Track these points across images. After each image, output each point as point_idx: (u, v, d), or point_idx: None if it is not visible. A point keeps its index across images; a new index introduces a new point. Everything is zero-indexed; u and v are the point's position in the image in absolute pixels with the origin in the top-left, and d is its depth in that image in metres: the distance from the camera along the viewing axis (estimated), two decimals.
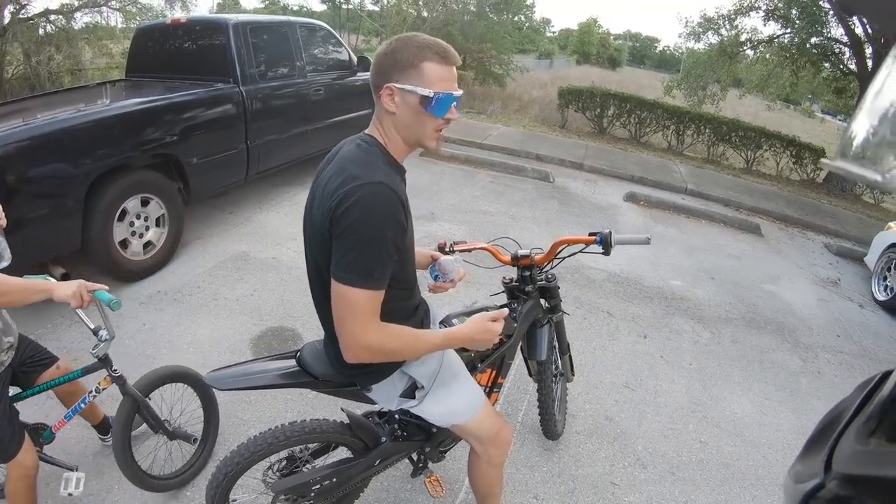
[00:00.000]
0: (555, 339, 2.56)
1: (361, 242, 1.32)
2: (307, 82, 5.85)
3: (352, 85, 6.64)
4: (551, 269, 2.33)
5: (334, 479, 1.85)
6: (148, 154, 4.09)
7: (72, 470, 2.16)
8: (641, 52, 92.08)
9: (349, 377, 1.67)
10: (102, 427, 2.53)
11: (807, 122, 23.28)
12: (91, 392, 2.15)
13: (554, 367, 2.70)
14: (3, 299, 1.84)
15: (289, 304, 3.92)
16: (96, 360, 2.07)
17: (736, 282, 5.54)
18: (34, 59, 10.45)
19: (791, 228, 8.02)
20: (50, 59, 10.59)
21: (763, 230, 7.47)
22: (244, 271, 4.33)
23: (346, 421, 1.87)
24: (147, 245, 4.14)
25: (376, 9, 24.46)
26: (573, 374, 2.90)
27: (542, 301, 2.37)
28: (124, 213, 3.90)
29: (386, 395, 1.73)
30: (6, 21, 10.12)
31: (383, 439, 1.93)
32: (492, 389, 2.23)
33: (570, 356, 2.77)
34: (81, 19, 12.00)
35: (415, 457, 2.16)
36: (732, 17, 13.06)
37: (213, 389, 2.34)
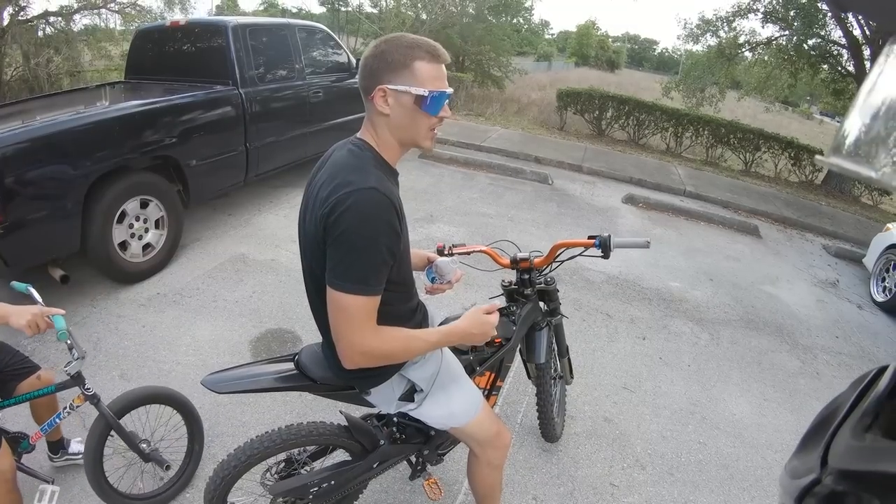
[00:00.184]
0: (554, 341, 2.56)
1: (355, 249, 1.31)
2: (306, 85, 5.86)
3: (351, 87, 6.64)
4: (550, 272, 2.33)
5: (332, 482, 1.85)
6: (147, 156, 4.10)
7: (48, 483, 2.13)
8: (640, 54, 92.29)
9: (347, 381, 1.67)
10: (55, 445, 2.43)
11: (805, 124, 23.33)
12: (66, 408, 2.10)
13: (553, 369, 2.71)
14: None
15: (288, 307, 3.92)
16: (68, 377, 2.01)
17: (735, 283, 5.54)
18: (33, 61, 10.43)
19: (790, 230, 8.03)
20: (49, 61, 10.58)
21: (762, 232, 7.48)
22: (243, 273, 4.34)
23: (345, 424, 1.86)
24: (146, 247, 4.14)
25: (375, 11, 24.46)
26: (572, 377, 2.90)
27: (541, 304, 2.37)
28: (123, 214, 3.90)
29: (384, 399, 1.73)
30: (5, 23, 10.12)
31: (382, 442, 1.92)
32: (490, 392, 2.23)
33: (568, 359, 2.76)
34: (80, 21, 12.01)
35: (413, 459, 2.15)
36: (731, 18, 13.09)
37: (197, 409, 2.34)
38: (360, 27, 24.47)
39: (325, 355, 1.67)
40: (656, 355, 3.98)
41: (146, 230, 4.13)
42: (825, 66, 12.57)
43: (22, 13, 10.50)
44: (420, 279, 1.90)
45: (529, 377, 2.60)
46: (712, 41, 13.83)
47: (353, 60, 6.88)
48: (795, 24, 11.84)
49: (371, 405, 1.79)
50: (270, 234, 5.10)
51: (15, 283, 2.04)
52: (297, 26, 6.06)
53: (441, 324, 1.89)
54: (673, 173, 9.80)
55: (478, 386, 2.06)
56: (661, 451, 3.05)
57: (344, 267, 1.32)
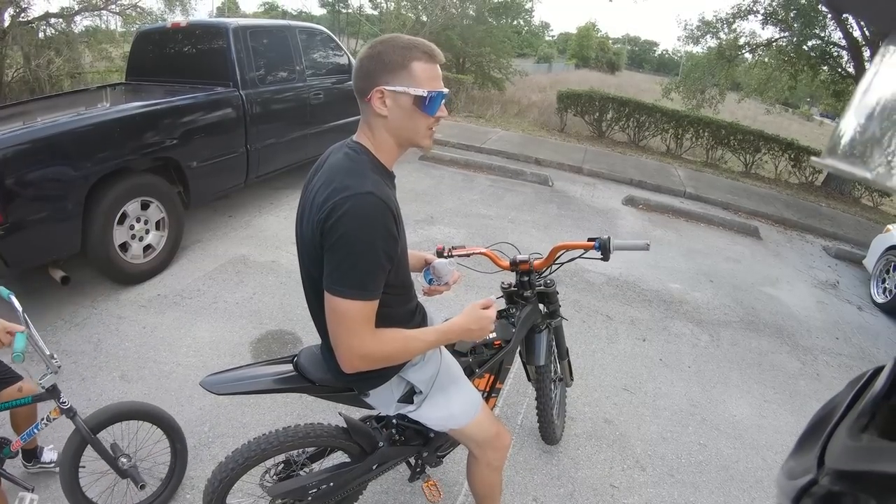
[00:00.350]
0: (553, 344, 2.56)
1: (352, 254, 1.31)
2: (307, 86, 5.87)
3: (351, 89, 6.64)
4: (550, 274, 2.34)
5: (331, 484, 1.85)
6: (148, 158, 4.11)
7: (28, 490, 2.12)
8: (640, 55, 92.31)
9: (346, 382, 1.66)
10: (29, 454, 2.39)
11: (805, 126, 23.34)
12: (42, 420, 2.07)
13: (553, 372, 2.71)
14: None
15: (288, 308, 3.92)
16: (43, 390, 1.96)
17: (735, 285, 5.54)
18: (34, 63, 10.44)
19: (790, 231, 8.03)
20: (50, 63, 10.60)
21: (762, 233, 7.48)
22: (244, 275, 4.34)
23: (344, 425, 1.86)
24: (147, 248, 4.14)
25: (375, 13, 24.51)
26: (572, 379, 2.90)
27: (541, 306, 2.38)
28: (124, 216, 3.91)
29: (384, 401, 1.73)
30: (6, 24, 10.13)
31: (381, 444, 1.92)
32: (490, 394, 2.23)
33: (568, 361, 2.76)
34: (81, 23, 12.03)
35: (412, 461, 2.15)
36: (731, 20, 13.10)
37: (180, 428, 2.30)
38: (361, 29, 24.50)
39: (324, 357, 1.67)
40: (656, 357, 3.98)
41: (147, 231, 4.13)
42: (825, 68, 12.58)
43: (23, 15, 10.51)
44: (418, 281, 1.90)
45: (529, 379, 2.60)
46: (712, 43, 13.87)
47: (354, 62, 6.88)
48: (795, 25, 11.85)
49: (370, 407, 1.79)
50: (271, 235, 5.10)
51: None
52: (298, 28, 6.06)
53: None
54: (673, 175, 9.80)
55: (477, 388, 2.06)
56: (661, 453, 3.05)
57: (341, 272, 1.32)
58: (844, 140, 0.56)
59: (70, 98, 5.14)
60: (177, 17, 12.30)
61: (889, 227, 6.14)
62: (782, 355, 4.31)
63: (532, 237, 5.86)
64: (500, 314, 2.21)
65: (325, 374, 1.67)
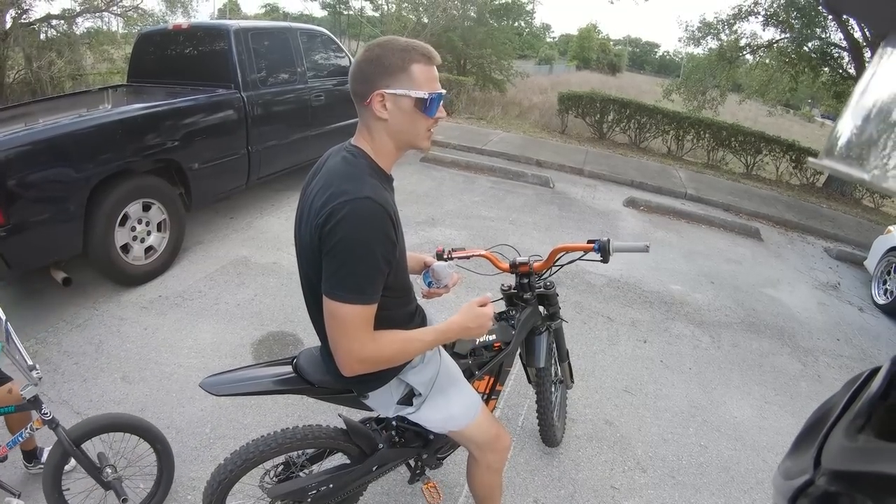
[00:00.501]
0: (554, 346, 2.56)
1: (351, 259, 1.31)
2: (308, 88, 5.88)
3: None
4: (550, 276, 2.34)
5: (331, 485, 1.85)
6: (150, 159, 4.11)
7: (14, 495, 2.10)
8: (641, 57, 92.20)
9: (346, 384, 1.66)
10: (30, 455, 2.39)
11: (806, 127, 23.31)
12: (26, 429, 2.05)
13: (553, 374, 2.71)
14: None
15: (289, 309, 3.92)
16: (25, 401, 1.94)
17: (736, 286, 5.54)
18: (36, 64, 10.48)
19: (791, 233, 8.03)
20: (51, 64, 10.63)
21: (763, 234, 7.47)
22: (245, 276, 4.35)
23: (343, 427, 1.86)
24: (148, 250, 4.15)
25: (376, 15, 24.51)
26: (572, 381, 2.90)
27: (541, 308, 2.38)
28: (126, 217, 3.92)
29: (383, 403, 1.73)
30: (8, 26, 10.16)
31: (381, 445, 1.92)
32: (490, 396, 2.23)
33: (569, 363, 2.76)
34: (83, 24, 12.08)
35: (412, 463, 2.15)
36: (731, 21, 13.08)
37: (166, 440, 2.26)
38: (362, 31, 24.50)
39: (324, 359, 1.67)
40: (657, 358, 3.98)
41: (148, 233, 4.14)
42: (826, 69, 12.58)
43: (24, 16, 10.55)
44: (417, 283, 1.90)
45: (530, 381, 2.60)
46: (713, 44, 13.84)
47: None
48: (796, 24, 11.84)
49: (369, 409, 1.79)
50: (272, 237, 5.11)
51: None
52: (299, 30, 6.07)
53: None
54: (674, 176, 9.80)
55: (477, 390, 2.06)
56: (662, 454, 3.05)
57: (340, 277, 1.32)
58: (841, 141, 0.57)
59: (71, 100, 5.15)
60: (178, 19, 12.32)
61: (890, 228, 6.13)
62: (783, 357, 4.31)
63: (533, 239, 5.86)
64: (500, 316, 2.22)
65: (324, 376, 1.67)
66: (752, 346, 4.39)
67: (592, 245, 2.12)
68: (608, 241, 2.10)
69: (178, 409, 2.91)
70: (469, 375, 2.00)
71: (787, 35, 12.33)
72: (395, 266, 1.43)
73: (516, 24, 21.93)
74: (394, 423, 1.96)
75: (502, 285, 2.32)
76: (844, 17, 9.47)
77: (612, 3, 15.80)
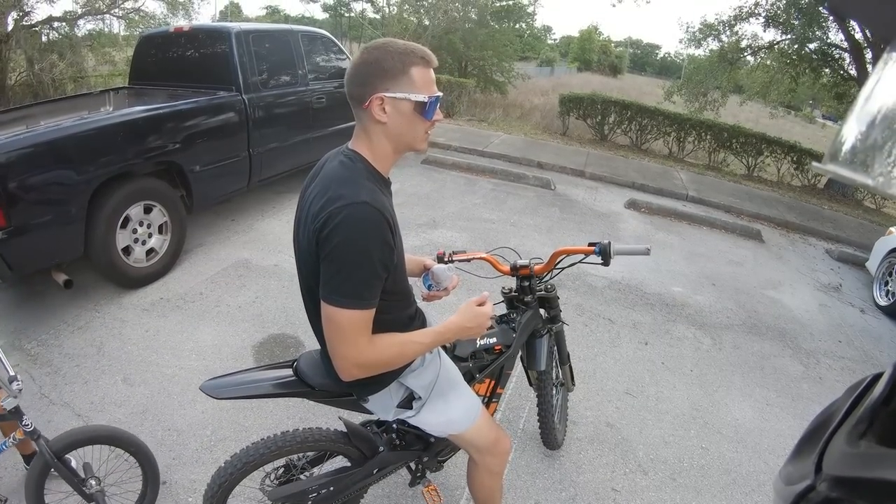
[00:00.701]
0: (554, 349, 2.56)
1: (348, 264, 1.31)
2: (309, 90, 5.88)
3: None
4: (551, 279, 2.33)
5: (331, 488, 1.84)
6: (151, 162, 4.12)
7: (1, 501, 2.11)
8: (642, 58, 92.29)
9: (346, 388, 1.65)
10: (29, 458, 2.37)
11: (808, 128, 23.27)
12: (8, 439, 2.03)
13: (554, 376, 2.70)
14: None
15: (290, 312, 3.92)
16: (6, 412, 1.92)
17: (737, 288, 5.54)
18: (37, 66, 10.50)
19: (792, 234, 8.02)
20: (53, 67, 10.65)
21: (764, 236, 7.47)
22: (246, 278, 4.35)
23: (344, 430, 1.86)
24: (150, 252, 4.16)
25: (377, 17, 24.55)
26: (574, 384, 2.89)
27: (542, 311, 2.37)
28: (127, 220, 3.92)
29: (383, 406, 1.72)
30: (9, 28, 10.19)
31: (381, 448, 1.92)
32: (490, 399, 2.22)
33: (570, 366, 2.76)
34: (84, 27, 12.09)
35: (413, 466, 2.15)
36: (732, 22, 13.09)
37: (150, 452, 2.24)
38: (363, 33, 24.54)
39: (324, 362, 1.66)
40: (658, 360, 3.97)
41: (149, 235, 4.15)
42: (827, 70, 12.57)
43: (26, 18, 10.58)
44: (417, 286, 1.90)
45: (531, 384, 2.59)
46: (714, 45, 13.85)
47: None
48: (796, 24, 11.83)
49: (369, 412, 1.78)
50: (273, 239, 5.11)
51: None
52: (300, 32, 6.08)
53: None
54: (675, 178, 9.80)
55: (478, 393, 2.06)
56: (663, 457, 3.04)
57: (337, 282, 1.32)
58: (846, 147, 0.57)
59: (73, 102, 5.17)
60: (180, 22, 12.34)
61: (892, 229, 6.13)
62: (785, 358, 4.30)
63: (534, 241, 5.86)
64: (501, 319, 2.21)
65: (324, 379, 1.66)
66: (753, 347, 4.38)
67: (593, 248, 2.11)
68: (609, 243, 2.09)
69: (179, 412, 2.91)
70: (469, 378, 1.99)
71: (788, 36, 12.33)
72: (394, 270, 1.42)
73: (517, 26, 21.92)
74: (394, 426, 1.95)
75: (503, 288, 2.32)
76: (847, 19, 9.47)
77: (613, 5, 15.81)
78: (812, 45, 12.04)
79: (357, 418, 1.99)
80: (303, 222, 1.43)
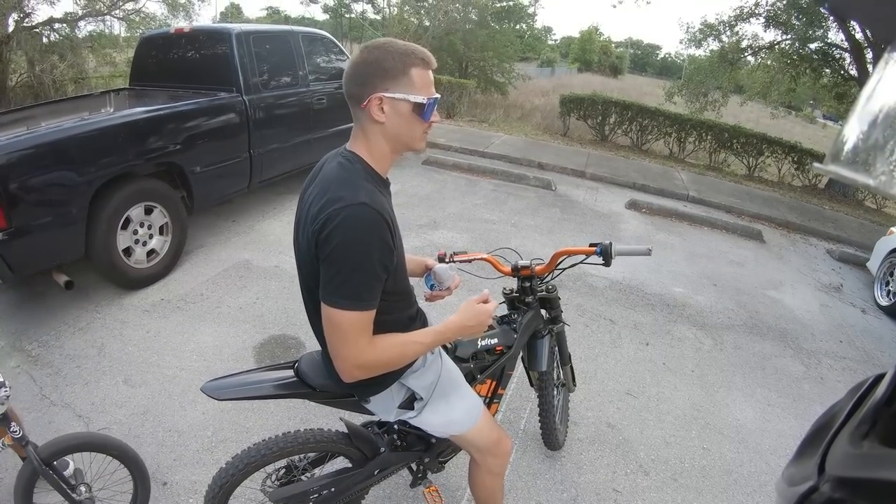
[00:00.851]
0: (556, 349, 2.56)
1: (347, 266, 1.30)
2: (310, 91, 5.89)
3: None
4: (552, 279, 2.33)
5: (333, 489, 1.84)
6: (152, 163, 4.12)
7: None
8: (643, 59, 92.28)
9: (347, 389, 1.65)
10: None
11: (808, 128, 23.26)
12: None
13: (555, 377, 2.70)
14: None
15: (291, 313, 3.92)
16: None
17: (738, 288, 5.53)
18: (38, 68, 10.50)
19: (793, 234, 8.02)
20: (54, 68, 10.64)
21: (765, 236, 7.47)
22: (247, 279, 4.35)
23: (345, 431, 1.86)
24: (150, 253, 4.16)
25: (378, 18, 24.58)
26: (575, 385, 2.89)
27: (543, 311, 2.37)
28: (128, 221, 3.92)
29: (384, 407, 1.72)
30: (10, 29, 10.19)
31: (382, 449, 1.92)
32: (492, 400, 2.22)
33: (571, 367, 2.76)
34: (85, 28, 12.07)
35: (414, 467, 2.15)
36: (733, 23, 13.09)
37: (141, 460, 2.21)
38: (364, 34, 24.55)
39: (325, 363, 1.66)
40: (660, 361, 3.97)
41: (150, 236, 4.15)
42: (827, 70, 12.56)
43: (27, 20, 10.58)
44: (420, 287, 1.90)
45: (532, 385, 2.59)
46: (714, 46, 13.85)
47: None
48: (797, 24, 11.82)
49: (371, 413, 1.78)
50: (274, 240, 5.11)
51: None
52: (301, 33, 6.09)
53: None
54: (676, 178, 9.80)
55: (479, 394, 2.06)
56: (664, 457, 3.04)
57: (337, 283, 1.32)
58: (847, 147, 0.56)
59: (74, 103, 5.17)
60: (180, 23, 12.34)
61: (893, 229, 6.12)
62: (786, 359, 4.30)
63: (535, 241, 5.85)
64: (502, 320, 2.21)
65: (325, 380, 1.66)
66: (754, 348, 4.38)
67: (594, 249, 2.11)
68: (610, 244, 2.09)
69: (181, 413, 2.91)
70: (471, 379, 1.99)
71: (789, 36, 12.33)
72: (394, 271, 1.42)
73: (518, 26, 21.96)
74: (395, 427, 1.95)
75: (504, 289, 2.32)
76: (848, 19, 9.47)
77: (614, 6, 15.83)
78: (813, 46, 12.04)
79: (358, 419, 1.99)
80: (302, 224, 1.43)
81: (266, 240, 5.11)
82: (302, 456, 1.86)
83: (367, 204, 1.30)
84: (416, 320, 1.69)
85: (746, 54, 13.53)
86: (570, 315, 4.27)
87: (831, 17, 11.14)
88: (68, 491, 2.02)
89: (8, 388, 1.86)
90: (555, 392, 2.68)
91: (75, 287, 3.67)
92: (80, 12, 11.33)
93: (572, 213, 7.14)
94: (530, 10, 21.86)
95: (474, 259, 2.25)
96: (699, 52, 14.92)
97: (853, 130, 0.56)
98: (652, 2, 16.09)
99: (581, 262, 2.22)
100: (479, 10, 18.38)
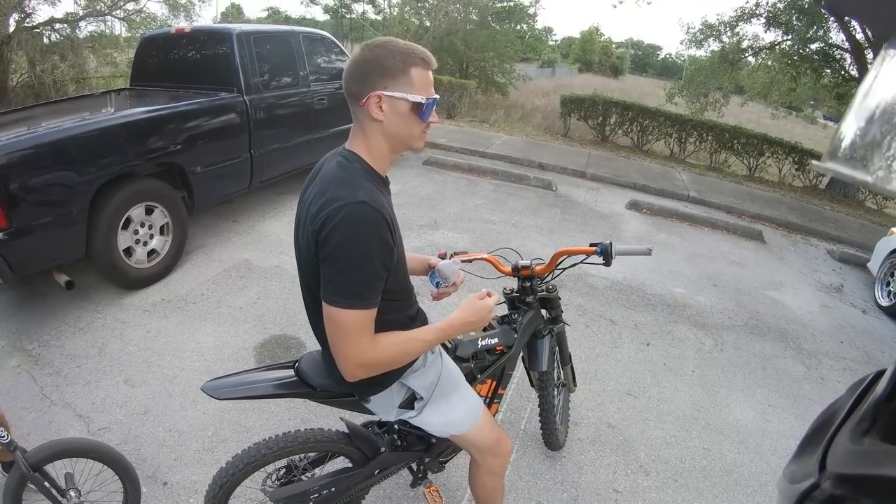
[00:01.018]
0: (556, 349, 2.55)
1: (348, 265, 1.30)
2: (310, 91, 5.89)
3: None
4: (552, 279, 2.33)
5: (333, 489, 1.84)
6: (152, 163, 4.12)
7: None
8: (643, 59, 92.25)
9: (347, 388, 1.65)
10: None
11: (809, 129, 23.25)
12: None
13: (556, 377, 2.70)
14: None
15: (292, 313, 3.92)
16: None
17: (739, 289, 5.53)
18: (39, 68, 10.51)
19: (794, 235, 8.01)
20: (54, 68, 10.65)
21: (766, 237, 7.46)
22: (248, 279, 4.35)
23: (345, 430, 1.86)
24: (151, 253, 4.16)
25: (379, 18, 24.59)
26: (575, 385, 2.89)
27: (543, 311, 2.37)
28: (128, 221, 3.93)
29: (384, 406, 1.72)
30: (11, 29, 10.20)
31: (382, 449, 1.92)
32: (492, 400, 2.22)
33: (571, 367, 2.75)
34: (86, 28, 12.09)
35: (415, 467, 2.15)
36: (734, 23, 13.08)
37: (131, 466, 2.18)
38: (365, 34, 24.56)
39: (325, 363, 1.66)
40: (660, 361, 3.97)
41: (151, 236, 4.15)
42: (828, 71, 12.56)
43: (28, 20, 10.59)
44: (425, 287, 1.90)
45: (532, 385, 2.59)
46: (715, 46, 13.84)
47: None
48: (798, 24, 11.82)
49: (371, 412, 1.78)
50: (275, 240, 5.11)
51: None
52: (302, 34, 6.09)
53: None
54: (677, 179, 9.79)
55: (479, 394, 2.05)
56: (665, 457, 3.04)
57: (337, 282, 1.32)
58: (845, 143, 0.56)
59: (74, 103, 5.17)
60: (181, 23, 12.35)
61: (893, 229, 6.12)
62: (786, 359, 4.30)
63: (536, 242, 5.85)
64: (503, 320, 2.21)
65: (325, 380, 1.66)
66: (755, 348, 4.38)
67: (595, 248, 2.11)
68: (610, 244, 2.09)
69: (181, 413, 2.91)
70: (471, 379, 1.99)
71: (789, 37, 12.32)
72: (394, 269, 1.42)
73: (518, 27, 21.92)
74: (396, 426, 1.95)
75: (504, 289, 2.32)
76: (846, 18, 9.46)
77: (615, 6, 15.83)
78: (813, 46, 12.03)
79: (358, 419, 1.99)
80: (302, 223, 1.43)
81: (266, 240, 5.11)
82: (302, 456, 1.86)
83: (366, 203, 1.30)
84: (417, 319, 1.68)
85: (747, 55, 13.53)
86: (570, 315, 4.27)
87: (832, 18, 11.14)
88: (58, 497, 2.01)
89: None
90: (555, 392, 2.68)
91: (76, 287, 3.67)
92: (80, 12, 11.35)
93: (573, 213, 7.14)
94: (531, 11, 21.85)
95: (475, 259, 2.25)
96: (700, 53, 14.94)
97: (850, 127, 0.56)
98: (652, 2, 16.16)
99: (581, 262, 2.22)
100: (480, 10, 18.38)
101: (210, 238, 5.02)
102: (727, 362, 4.10)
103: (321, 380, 1.67)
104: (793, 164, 11.16)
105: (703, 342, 4.33)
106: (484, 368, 2.08)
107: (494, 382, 2.20)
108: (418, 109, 1.39)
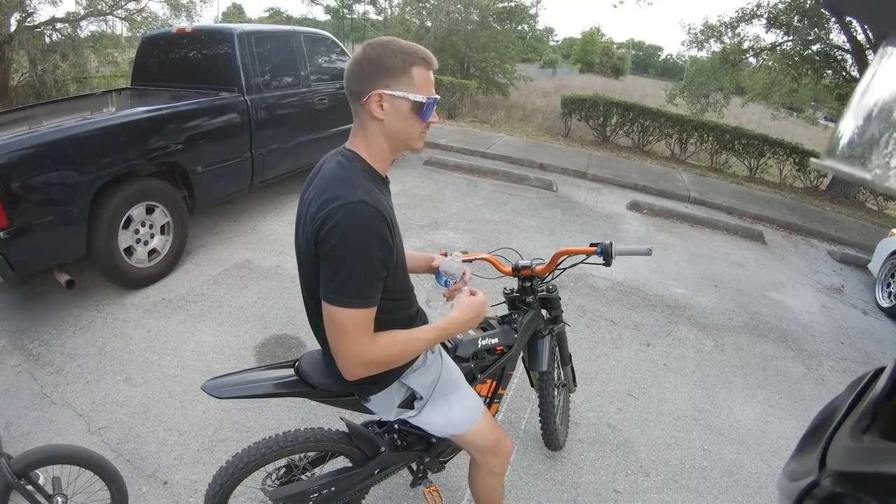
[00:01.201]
0: (556, 349, 2.55)
1: (347, 264, 1.30)
2: (311, 91, 5.89)
3: None
4: (552, 279, 2.33)
5: (333, 488, 1.84)
6: (153, 162, 4.12)
7: None
8: (644, 60, 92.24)
9: (347, 388, 1.65)
10: None
11: (810, 129, 23.26)
12: None
13: (556, 377, 2.70)
14: None
15: (292, 312, 3.92)
16: None
17: (739, 289, 5.53)
18: (40, 67, 10.52)
19: (794, 236, 8.01)
20: (55, 67, 10.66)
21: (766, 238, 7.46)
22: (248, 279, 4.35)
23: (346, 430, 1.86)
24: (152, 252, 4.16)
25: (380, 19, 24.60)
26: (575, 385, 2.89)
27: (544, 312, 2.37)
28: (129, 220, 3.93)
29: (384, 406, 1.72)
30: (12, 29, 10.21)
31: (382, 449, 1.92)
32: (492, 400, 2.22)
33: (571, 367, 2.76)
34: (87, 28, 12.10)
35: (415, 466, 2.15)
36: (735, 24, 13.08)
37: (117, 472, 2.16)
38: (366, 34, 24.56)
39: (325, 362, 1.66)
40: (660, 362, 3.97)
41: (152, 236, 4.15)
42: (829, 71, 12.55)
43: (29, 19, 10.60)
44: (425, 286, 1.90)
45: (532, 385, 2.59)
46: (716, 47, 13.84)
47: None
48: (799, 25, 11.81)
49: (371, 412, 1.78)
50: (275, 240, 5.12)
51: None
52: (303, 33, 6.09)
53: None
54: (677, 179, 9.79)
55: (479, 394, 2.05)
56: (665, 458, 3.04)
57: (337, 282, 1.32)
58: (843, 141, 0.57)
59: (75, 103, 5.17)
60: (182, 23, 12.35)
61: (894, 230, 6.12)
62: (787, 360, 4.29)
63: (536, 242, 5.85)
64: (503, 320, 2.21)
65: (325, 379, 1.66)
66: (755, 349, 4.37)
67: (595, 248, 2.11)
68: (611, 244, 2.09)
69: (181, 412, 2.91)
70: (471, 379, 1.99)
71: (790, 38, 12.32)
72: (394, 269, 1.42)
73: (519, 27, 21.94)
74: (396, 426, 1.95)
75: (505, 289, 2.32)
76: (847, 18, 9.46)
77: (615, 7, 15.83)
78: (814, 47, 12.02)
79: (358, 418, 1.99)
80: (302, 223, 1.44)
81: (267, 240, 5.12)
82: (302, 455, 1.86)
83: (365, 202, 1.30)
84: (417, 319, 1.69)
85: (748, 55, 13.52)
86: (570, 315, 4.27)
87: (832, 19, 11.13)
88: (44, 503, 1.98)
89: None
90: (555, 392, 2.67)
91: (76, 286, 3.67)
92: (82, 12, 11.36)
93: (574, 213, 7.14)
94: (532, 11, 21.86)
95: (475, 259, 2.25)
96: (701, 54, 14.94)
97: (849, 125, 0.56)
98: (653, 3, 16.13)
99: (582, 262, 2.22)
100: (481, 10, 18.38)
101: (211, 238, 5.02)
102: (727, 363, 4.10)
103: (321, 379, 1.67)
104: (794, 165, 11.14)
105: (704, 343, 4.33)
106: (484, 368, 2.08)
107: (494, 382, 2.20)
108: (419, 109, 1.40)
